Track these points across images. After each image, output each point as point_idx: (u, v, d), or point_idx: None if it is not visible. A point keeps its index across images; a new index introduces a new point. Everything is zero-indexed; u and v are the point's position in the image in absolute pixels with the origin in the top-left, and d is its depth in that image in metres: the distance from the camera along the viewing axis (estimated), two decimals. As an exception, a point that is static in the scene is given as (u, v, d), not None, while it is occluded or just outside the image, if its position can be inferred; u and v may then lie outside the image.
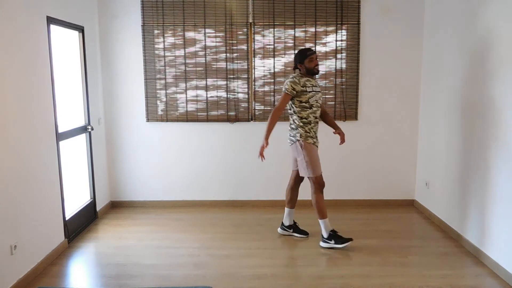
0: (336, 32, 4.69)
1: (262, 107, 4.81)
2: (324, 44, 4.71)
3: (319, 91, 3.75)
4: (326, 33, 4.70)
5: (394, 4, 4.65)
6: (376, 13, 4.67)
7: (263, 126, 4.79)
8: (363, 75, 4.75)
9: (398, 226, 4.34)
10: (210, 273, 3.32)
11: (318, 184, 3.71)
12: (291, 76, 3.72)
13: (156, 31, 4.69)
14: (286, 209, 4.00)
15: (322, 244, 3.74)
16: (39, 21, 3.42)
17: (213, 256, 3.63)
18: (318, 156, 3.73)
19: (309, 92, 3.64)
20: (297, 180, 3.92)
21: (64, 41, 4.03)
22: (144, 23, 4.68)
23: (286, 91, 3.65)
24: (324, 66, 4.73)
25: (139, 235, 4.12)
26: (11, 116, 3.01)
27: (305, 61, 3.66)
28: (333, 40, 4.70)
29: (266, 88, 4.78)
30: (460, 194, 3.86)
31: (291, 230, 4.01)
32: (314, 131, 3.72)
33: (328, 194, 4.78)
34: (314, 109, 3.69)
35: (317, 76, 3.79)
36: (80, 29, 4.19)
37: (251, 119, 4.82)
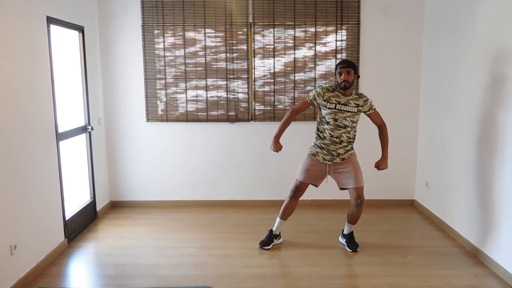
0: (336, 32, 4.69)
1: (262, 107, 4.81)
2: (324, 44, 4.71)
3: (349, 111, 3.43)
4: (326, 33, 4.70)
5: (394, 4, 4.66)
6: (376, 13, 4.67)
7: (263, 126, 4.85)
8: (363, 75, 4.75)
9: (398, 226, 4.34)
10: (210, 273, 3.32)
11: (294, 187, 3.67)
12: (324, 86, 3.58)
13: (156, 31, 4.69)
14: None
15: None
16: (39, 21, 3.41)
17: (213, 256, 3.63)
18: (312, 168, 3.59)
19: (329, 108, 3.44)
20: (351, 197, 3.68)
21: (64, 41, 4.03)
22: (144, 23, 4.68)
23: (307, 97, 3.57)
24: (324, 66, 4.73)
25: (139, 235, 4.12)
26: (11, 116, 3.01)
27: (336, 74, 3.44)
28: (333, 40, 4.70)
29: (266, 88, 4.78)
30: (460, 194, 3.86)
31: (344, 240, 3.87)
32: (327, 150, 3.52)
33: (329, 194, 4.79)
34: (331, 127, 3.45)
35: (342, 86, 3.39)
36: (80, 29, 4.19)
37: (251, 119, 4.82)
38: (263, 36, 4.71)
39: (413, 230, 4.33)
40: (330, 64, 4.72)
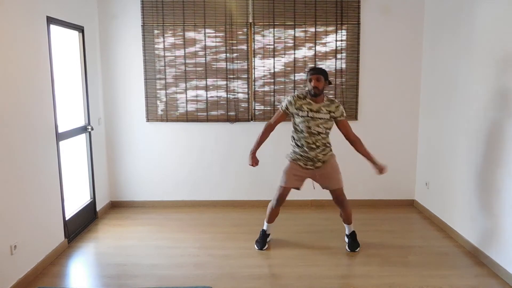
0: (336, 32, 4.69)
1: (262, 107, 4.81)
2: (324, 44, 4.71)
3: (321, 118, 3.42)
4: (326, 33, 4.70)
5: (394, 4, 4.66)
6: (376, 13, 4.67)
7: (263, 126, 4.82)
8: (363, 75, 4.75)
9: (398, 226, 4.34)
10: (210, 273, 3.32)
11: (279, 194, 3.64)
12: (295, 94, 3.59)
13: (156, 31, 4.69)
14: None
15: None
16: (39, 21, 3.42)
17: (213, 256, 3.63)
18: (295, 173, 3.57)
19: (301, 116, 3.43)
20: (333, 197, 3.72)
21: (64, 41, 4.03)
22: (144, 23, 4.68)
23: (281, 108, 3.57)
24: (324, 66, 4.72)
25: (139, 235, 4.12)
26: (11, 116, 3.01)
27: (307, 81, 3.42)
28: (333, 40, 4.70)
29: (266, 88, 4.79)
30: (460, 194, 3.86)
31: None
32: (306, 157, 3.50)
33: (328, 194, 4.76)
34: (306, 135, 3.44)
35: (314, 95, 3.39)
36: (80, 29, 4.19)
37: (251, 119, 4.82)
38: (263, 36, 4.71)
39: (413, 230, 4.33)
40: (330, 64, 4.72)
